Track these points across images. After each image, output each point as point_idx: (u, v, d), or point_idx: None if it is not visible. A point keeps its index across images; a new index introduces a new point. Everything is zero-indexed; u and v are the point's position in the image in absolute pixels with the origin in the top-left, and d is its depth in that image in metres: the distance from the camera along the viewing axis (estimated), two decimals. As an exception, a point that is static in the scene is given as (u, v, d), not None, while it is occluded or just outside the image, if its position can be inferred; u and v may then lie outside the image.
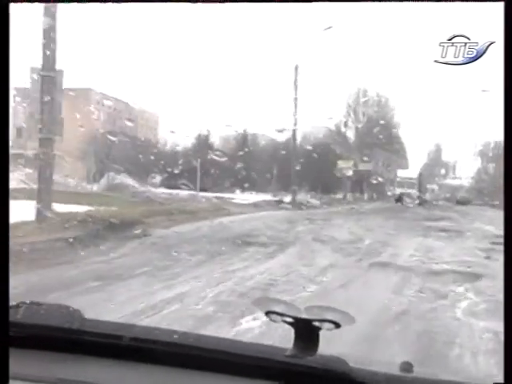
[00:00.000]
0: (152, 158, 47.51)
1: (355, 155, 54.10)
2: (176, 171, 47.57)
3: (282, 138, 60.32)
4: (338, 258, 12.29)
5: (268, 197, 40.41)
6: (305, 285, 8.33)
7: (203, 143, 55.74)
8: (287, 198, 39.65)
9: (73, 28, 42.23)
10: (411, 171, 53.81)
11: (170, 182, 46.50)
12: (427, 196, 52.54)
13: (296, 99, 35.15)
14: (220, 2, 1.62)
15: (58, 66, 14.35)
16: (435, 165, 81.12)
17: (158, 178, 48.01)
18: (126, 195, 26.81)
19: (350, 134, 62.09)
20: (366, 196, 56.21)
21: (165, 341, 1.42)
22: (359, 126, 60.74)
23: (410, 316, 6.85)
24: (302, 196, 50.78)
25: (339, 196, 53.65)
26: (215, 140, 60.90)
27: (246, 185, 50.62)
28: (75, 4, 1.59)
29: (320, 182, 54.93)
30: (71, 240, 11.56)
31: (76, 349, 1.42)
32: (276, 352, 1.36)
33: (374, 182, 55.48)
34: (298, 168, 52.37)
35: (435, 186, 60.39)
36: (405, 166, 70.48)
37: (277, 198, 35.09)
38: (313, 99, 74.81)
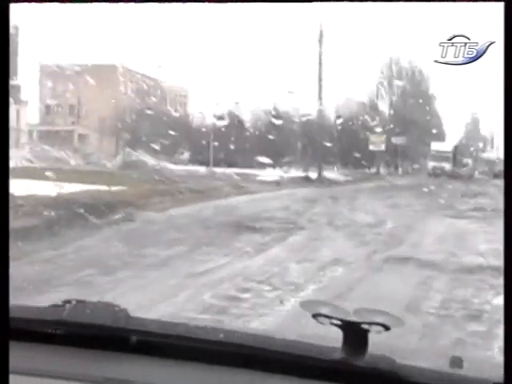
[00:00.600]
0: (180, 134, 45.39)
1: (389, 128, 51.14)
2: (203, 148, 45.39)
3: (314, 112, 57.69)
4: (348, 249, 9.82)
5: (298, 173, 37.78)
6: (281, 299, 5.90)
7: (233, 118, 53.39)
8: (315, 175, 37.18)
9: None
10: (447, 144, 49.54)
11: (197, 159, 44.43)
12: (463, 170, 48.99)
13: (321, 66, 32.34)
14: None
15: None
16: (472, 137, 77.67)
17: (186, 155, 45.96)
18: (139, 173, 24.57)
19: (384, 107, 59.02)
20: (400, 170, 53.25)
21: (210, 339, 1.32)
22: (393, 97, 57.60)
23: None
24: (332, 172, 48.25)
25: (373, 171, 50.87)
26: (246, 115, 58.54)
27: (276, 161, 48.21)
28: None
29: (353, 156, 52.19)
30: (24, 230, 9.33)
31: (121, 347, 1.33)
32: (323, 351, 1.26)
33: (409, 155, 52.64)
34: (329, 143, 49.78)
35: (469, 160, 56.04)
36: (441, 139, 67.17)
37: (303, 175, 32.37)
38: (346, 71, 71.49)
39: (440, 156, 45.41)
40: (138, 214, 13.06)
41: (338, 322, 1.22)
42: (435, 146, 47.81)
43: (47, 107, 48.25)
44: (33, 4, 1.43)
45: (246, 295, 5.97)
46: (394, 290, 6.76)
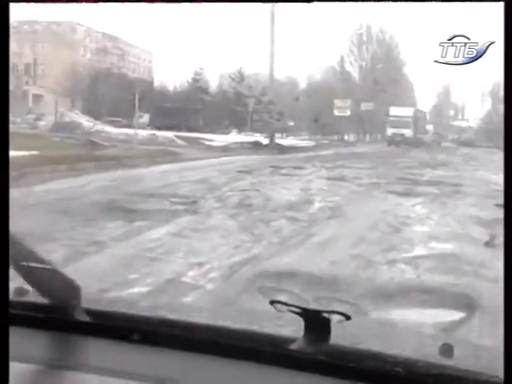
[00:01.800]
0: (139, 96, 41.65)
1: (358, 95, 47.73)
2: (163, 111, 41.67)
3: (284, 78, 54.13)
4: (220, 253, 6.37)
5: (256, 138, 34.24)
6: None
7: (198, 82, 49.55)
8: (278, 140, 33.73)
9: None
10: (407, 109, 44.16)
11: (156, 123, 40.88)
12: (427, 137, 45.18)
13: (273, 18, 28.64)
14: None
15: None
16: (444, 106, 74.77)
17: (145, 118, 42.30)
18: (66, 136, 20.97)
19: (355, 73, 55.52)
20: (368, 137, 49.96)
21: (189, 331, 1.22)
22: (363, 64, 53.98)
23: None
24: (296, 138, 44.94)
25: (338, 138, 47.57)
26: (213, 79, 54.74)
27: (239, 125, 44.67)
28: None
29: (322, 123, 48.92)
30: None
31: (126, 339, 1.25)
32: (283, 341, 1.16)
33: (378, 122, 49.31)
34: (296, 108, 46.23)
35: (431, 126, 51.68)
36: (413, 106, 63.86)
37: (252, 140, 28.71)
38: (318, 37, 67.92)
39: (400, 121, 40.26)
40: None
41: (298, 310, 1.12)
42: (394, 111, 42.68)
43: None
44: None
45: None
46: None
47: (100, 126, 26.40)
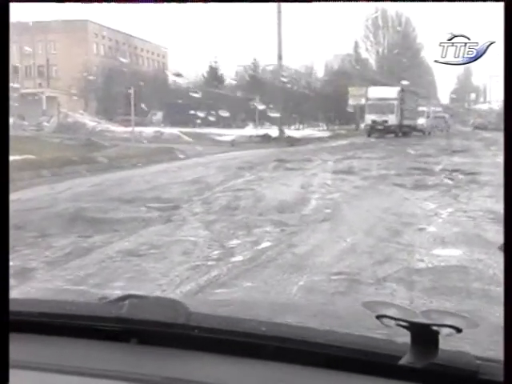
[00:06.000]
0: (152, 94, 40.64)
1: (376, 82, 46.04)
2: (176, 107, 40.59)
3: (303, 69, 52.70)
4: (173, 276, 5.14)
5: (269, 131, 32.97)
6: None
7: (212, 76, 48.36)
8: (289, 132, 32.43)
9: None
10: (391, 90, 35.26)
11: (169, 120, 39.83)
12: (420, 122, 36.69)
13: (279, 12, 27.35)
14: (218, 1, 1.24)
15: None
16: (465, 89, 72.65)
17: (158, 116, 41.29)
18: (66, 137, 20.00)
19: (371, 60, 53.80)
20: (386, 125, 48.26)
21: (276, 336, 1.17)
22: (380, 49, 52.23)
23: None
24: (312, 128, 43.61)
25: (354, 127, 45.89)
26: (229, 72, 53.55)
27: (254, 119, 43.39)
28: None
29: (337, 112, 47.35)
30: None
31: (182, 344, 1.20)
32: (393, 348, 1.08)
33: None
34: (310, 99, 44.81)
35: (425, 109, 40.00)
36: (433, 92, 61.94)
37: (262, 133, 27.40)
38: (333, 25, 66.33)
39: (382, 105, 32.18)
40: None
41: (405, 324, 1.05)
42: (374, 92, 34.22)
43: (14, 68, 43.25)
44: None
45: None
46: None
47: (105, 126, 25.42)
